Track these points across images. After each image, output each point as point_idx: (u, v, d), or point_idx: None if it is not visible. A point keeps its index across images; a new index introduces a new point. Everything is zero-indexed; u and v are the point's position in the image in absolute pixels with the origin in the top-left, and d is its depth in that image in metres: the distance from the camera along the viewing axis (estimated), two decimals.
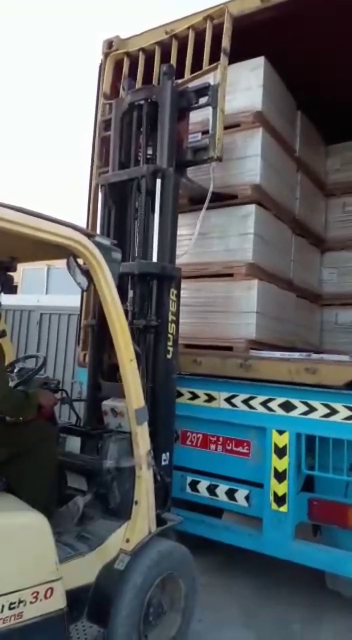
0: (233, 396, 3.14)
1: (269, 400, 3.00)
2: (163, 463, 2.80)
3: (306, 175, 4.15)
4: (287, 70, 3.63)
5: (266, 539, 2.95)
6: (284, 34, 3.38)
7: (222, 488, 3.18)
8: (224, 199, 3.43)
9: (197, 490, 3.28)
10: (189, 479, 3.32)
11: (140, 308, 2.89)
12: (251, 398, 3.08)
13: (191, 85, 3.22)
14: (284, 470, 2.90)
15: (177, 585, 2.56)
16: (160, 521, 2.57)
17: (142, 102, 3.17)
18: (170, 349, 2.91)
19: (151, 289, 2.92)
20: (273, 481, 2.92)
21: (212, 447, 3.26)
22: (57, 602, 2.02)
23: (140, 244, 3.01)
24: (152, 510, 2.47)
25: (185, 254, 3.61)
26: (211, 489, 3.22)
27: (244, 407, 3.09)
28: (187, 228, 3.66)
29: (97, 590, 2.27)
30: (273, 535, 2.93)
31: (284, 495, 2.89)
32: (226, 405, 3.16)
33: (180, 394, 3.36)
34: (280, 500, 2.90)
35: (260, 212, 3.47)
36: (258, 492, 3.03)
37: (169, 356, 2.90)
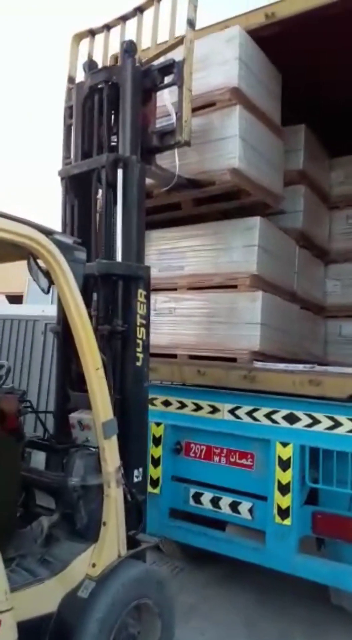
0: (237, 408, 3.13)
1: (273, 412, 3.00)
2: (136, 480, 2.61)
3: (309, 188, 4.18)
4: (290, 84, 3.67)
5: (270, 552, 2.93)
6: (287, 50, 3.42)
7: (225, 500, 3.17)
8: (201, 187, 3.23)
9: (200, 503, 3.27)
10: (192, 491, 3.31)
11: (106, 312, 2.66)
12: (255, 410, 3.07)
13: (156, 63, 2.94)
14: (288, 483, 2.88)
15: (152, 615, 2.36)
16: (133, 543, 2.41)
17: (102, 84, 2.86)
18: (140, 355, 2.68)
19: (116, 291, 2.68)
20: (277, 494, 2.91)
21: (216, 459, 3.25)
22: (6, 636, 1.81)
23: (104, 242, 2.75)
24: (122, 531, 2.28)
25: (188, 266, 3.65)
26: (215, 501, 3.21)
27: (248, 419, 3.09)
28: (192, 239, 3.70)
29: (58, 620, 2.05)
30: (277, 549, 2.91)
31: (287, 508, 2.88)
32: (230, 417, 3.15)
33: (183, 405, 3.36)
34: (284, 513, 2.89)
35: (264, 225, 3.49)
36: (262, 505, 3.02)
37: (138, 364, 2.67)
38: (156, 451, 3.39)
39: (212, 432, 3.24)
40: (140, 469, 2.66)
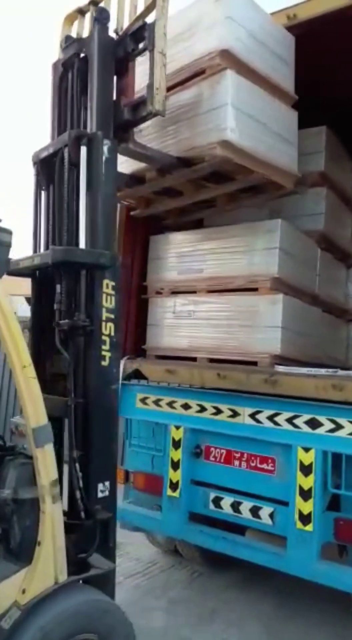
0: (258, 412, 3.11)
1: (295, 416, 2.96)
2: (100, 495, 2.37)
3: (331, 190, 4.13)
4: (311, 85, 3.62)
5: (291, 558, 2.90)
6: (307, 50, 3.39)
7: (246, 505, 3.14)
8: (191, 165, 2.91)
9: (220, 507, 3.24)
10: (212, 495, 3.29)
11: (68, 306, 2.42)
12: (276, 414, 3.04)
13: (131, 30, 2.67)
14: (310, 489, 2.84)
15: None
16: (83, 567, 2.19)
17: (74, 59, 2.65)
18: (107, 354, 2.41)
19: (80, 282, 2.44)
20: (298, 499, 2.87)
21: (236, 463, 3.22)
22: None
23: (66, 228, 2.50)
24: (60, 554, 2.01)
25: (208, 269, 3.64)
26: (235, 506, 3.18)
27: (269, 424, 3.06)
28: (212, 242, 3.69)
29: None
30: (298, 555, 2.87)
31: (309, 514, 2.84)
32: (251, 421, 3.13)
33: (203, 409, 3.34)
34: (305, 519, 2.85)
35: (286, 227, 3.46)
36: (283, 510, 2.98)
37: (104, 363, 2.40)
38: (176, 454, 3.38)
39: (233, 436, 3.22)
40: (107, 483, 2.41)
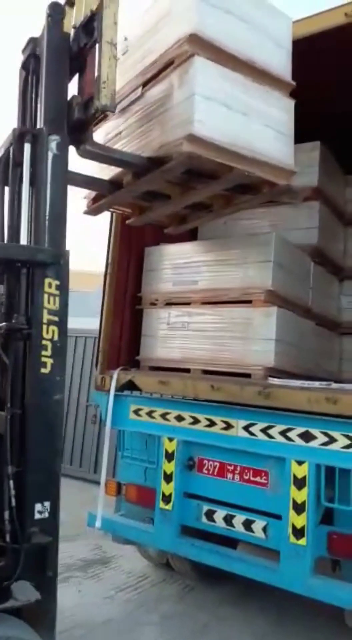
0: (251, 424, 3.10)
1: (289, 429, 2.96)
2: (38, 516, 2.18)
3: (325, 205, 4.18)
4: (304, 100, 3.67)
5: (284, 573, 2.87)
6: (300, 66, 3.44)
7: (239, 518, 3.12)
8: (160, 165, 2.63)
9: (213, 520, 3.22)
10: (205, 508, 3.26)
11: (9, 308, 2.28)
12: (270, 427, 3.03)
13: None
14: (303, 502, 2.83)
15: None
16: (2, 597, 2.04)
17: (31, 60, 2.55)
18: (48, 360, 2.23)
19: (20, 281, 2.30)
20: (292, 513, 2.86)
21: (229, 476, 3.21)
22: None
23: (10, 225, 2.41)
24: None
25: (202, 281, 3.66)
26: (228, 519, 3.16)
27: (262, 436, 3.05)
28: (207, 254, 3.71)
29: None
30: (291, 569, 2.85)
31: (303, 528, 2.82)
32: (244, 434, 3.12)
33: (196, 420, 3.33)
34: (298, 533, 2.83)
35: (279, 241, 3.48)
36: (276, 524, 2.97)
37: (45, 370, 2.23)
38: (169, 467, 3.36)
39: (226, 448, 3.21)
40: (47, 504, 2.21)
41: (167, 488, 3.35)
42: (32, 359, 2.23)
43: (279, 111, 2.86)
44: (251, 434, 3.10)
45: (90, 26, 2.39)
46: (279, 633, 3.35)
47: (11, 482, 2.13)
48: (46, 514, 2.21)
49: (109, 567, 4.23)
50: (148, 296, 4.02)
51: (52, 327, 2.26)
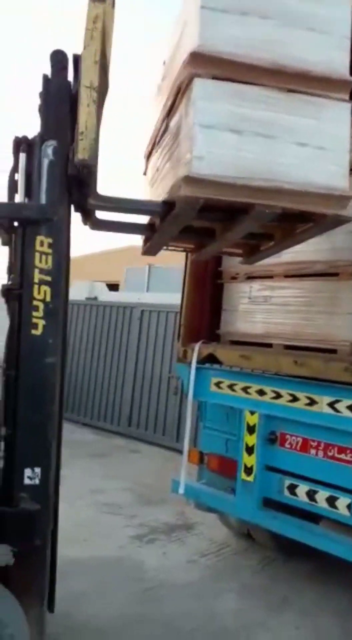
0: (337, 401, 3.02)
1: None
2: (27, 482, 2.12)
3: None
4: None
5: None
6: None
7: (322, 494, 3.08)
8: (170, 211, 2.21)
9: (295, 494, 3.21)
10: (287, 482, 3.26)
11: (9, 268, 2.27)
12: None
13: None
14: None
15: None
16: None
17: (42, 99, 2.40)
18: (40, 322, 2.14)
19: (16, 240, 2.22)
20: None
21: (313, 451, 3.16)
22: None
23: (8, 185, 2.34)
24: None
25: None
26: (310, 494, 3.13)
27: (348, 413, 2.96)
28: None
29: None
30: None
31: None
32: (329, 410, 3.04)
33: (279, 395, 3.30)
34: None
35: None
36: None
37: (36, 332, 2.15)
38: (250, 439, 3.38)
39: (309, 424, 3.16)
40: (37, 470, 2.13)
41: (249, 460, 3.37)
42: (24, 321, 2.16)
43: (326, 122, 2.10)
44: (336, 410, 3.02)
45: (76, 69, 2.17)
46: None
47: (1, 443, 2.14)
48: (37, 481, 2.14)
49: (192, 533, 4.38)
50: (229, 270, 3.99)
51: (44, 287, 2.16)
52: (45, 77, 2.26)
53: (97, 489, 5.26)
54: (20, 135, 2.30)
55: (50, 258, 2.15)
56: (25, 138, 2.28)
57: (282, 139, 2.04)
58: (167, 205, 2.21)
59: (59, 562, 3.49)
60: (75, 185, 2.21)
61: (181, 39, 2.20)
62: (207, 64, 2.02)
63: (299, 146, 2.05)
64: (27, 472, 2.12)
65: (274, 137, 2.03)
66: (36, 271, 2.14)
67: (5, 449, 2.13)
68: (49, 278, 2.15)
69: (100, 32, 2.05)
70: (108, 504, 4.88)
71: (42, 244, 2.14)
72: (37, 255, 2.13)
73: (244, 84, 2.03)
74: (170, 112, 2.35)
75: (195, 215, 2.16)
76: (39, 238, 2.14)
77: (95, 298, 9.25)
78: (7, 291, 2.18)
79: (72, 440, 7.51)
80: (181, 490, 3.69)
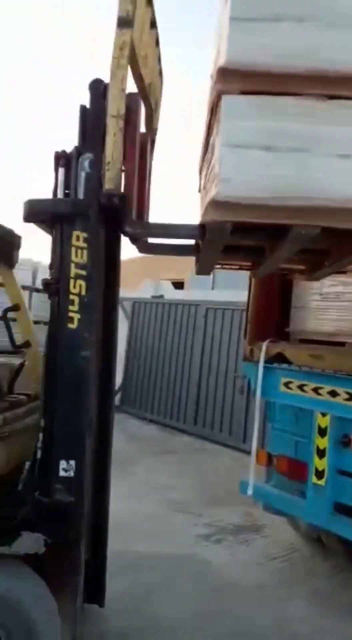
0: None
1: None
2: (63, 474, 2.14)
3: None
4: None
5: None
6: None
7: None
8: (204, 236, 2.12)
9: None
10: None
11: (51, 263, 2.30)
12: None
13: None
14: None
15: None
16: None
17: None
18: (75, 315, 2.17)
19: (56, 236, 2.28)
20: None
21: None
22: None
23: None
24: None
25: None
26: None
27: None
28: None
29: None
30: None
31: None
32: None
33: (334, 394, 3.14)
34: None
35: None
36: None
37: (72, 325, 2.18)
38: (322, 442, 3.26)
39: None
40: (72, 463, 2.15)
41: (320, 463, 3.26)
42: (61, 314, 2.21)
43: None
44: None
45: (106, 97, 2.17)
46: None
47: (40, 434, 2.21)
48: (71, 473, 2.16)
49: (260, 535, 4.30)
50: None
51: (79, 282, 2.19)
52: (82, 107, 2.32)
53: (164, 486, 5.31)
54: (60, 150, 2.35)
55: (85, 252, 2.18)
56: (64, 152, 2.33)
57: (320, 152, 1.85)
58: (202, 228, 2.14)
59: (130, 556, 3.60)
60: (110, 213, 2.21)
61: (217, 53, 2.09)
62: (235, 79, 1.88)
63: (341, 158, 1.84)
64: (62, 463, 2.15)
65: (310, 151, 1.85)
66: (72, 265, 2.18)
67: (43, 439, 2.19)
68: (84, 272, 2.18)
69: (128, 59, 2.04)
70: (175, 502, 4.91)
71: (78, 238, 2.17)
72: (73, 249, 2.17)
73: (277, 96, 1.88)
74: (209, 130, 2.26)
75: (229, 238, 2.07)
76: (75, 233, 2.18)
77: (162, 296, 9.35)
78: (47, 285, 2.25)
79: (140, 436, 7.66)
80: (250, 492, 3.63)
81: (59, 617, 2.08)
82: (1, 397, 2.54)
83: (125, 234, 2.36)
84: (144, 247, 2.51)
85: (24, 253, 2.94)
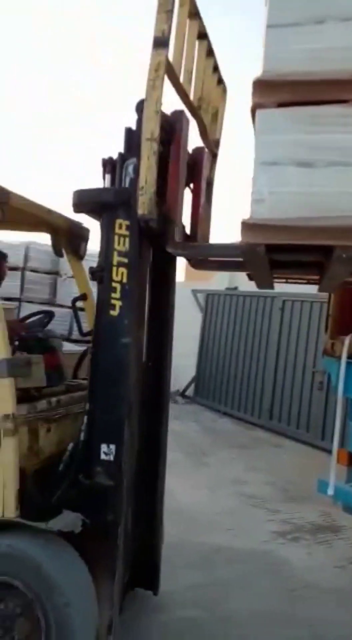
0: None
1: None
2: (104, 457, 2.18)
3: None
4: None
5: None
6: None
7: None
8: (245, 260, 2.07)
9: None
10: None
11: (100, 252, 2.31)
12: None
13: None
14: None
15: (24, 603, 1.97)
16: (42, 514, 2.23)
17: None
18: (117, 302, 2.18)
19: (102, 224, 2.28)
20: None
21: None
22: None
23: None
24: (9, 490, 2.01)
25: None
26: None
27: None
28: None
29: None
30: None
31: None
32: None
33: None
34: None
35: None
36: None
37: (113, 312, 2.19)
38: None
39: None
40: (112, 447, 2.18)
41: None
42: (103, 301, 2.24)
43: None
44: None
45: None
46: None
47: (85, 417, 2.26)
48: (111, 457, 2.19)
49: (339, 536, 4.13)
50: None
51: (121, 269, 2.20)
52: (128, 129, 2.30)
53: (239, 480, 5.26)
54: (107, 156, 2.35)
55: (127, 240, 2.18)
56: (110, 159, 2.35)
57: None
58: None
59: (204, 548, 3.60)
60: (152, 234, 2.22)
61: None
62: (271, 91, 1.78)
63: None
64: (103, 447, 2.19)
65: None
66: (115, 253, 2.20)
67: (87, 423, 2.24)
68: (125, 260, 2.19)
69: (162, 79, 1.98)
70: (250, 496, 4.84)
71: (120, 226, 2.19)
72: (116, 237, 2.19)
73: (317, 105, 1.73)
74: None
75: (266, 259, 1.95)
76: (117, 221, 2.19)
77: (236, 288, 9.22)
78: (93, 273, 2.29)
79: (214, 429, 7.65)
80: (330, 492, 3.48)
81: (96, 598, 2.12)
82: (62, 382, 2.64)
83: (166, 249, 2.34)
84: (196, 264, 2.53)
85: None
